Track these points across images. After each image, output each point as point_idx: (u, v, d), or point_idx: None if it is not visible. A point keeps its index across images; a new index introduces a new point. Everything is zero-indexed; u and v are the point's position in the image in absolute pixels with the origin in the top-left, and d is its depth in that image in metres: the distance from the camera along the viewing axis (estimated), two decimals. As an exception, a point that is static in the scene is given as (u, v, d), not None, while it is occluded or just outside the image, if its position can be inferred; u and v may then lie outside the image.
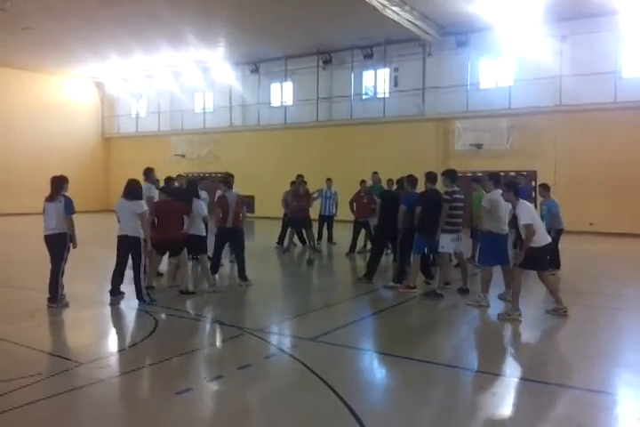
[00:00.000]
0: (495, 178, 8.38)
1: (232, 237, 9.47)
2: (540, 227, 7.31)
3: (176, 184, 10.39)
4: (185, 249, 8.71)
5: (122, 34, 21.39)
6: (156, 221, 8.68)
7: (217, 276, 9.70)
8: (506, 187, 7.54)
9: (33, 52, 24.45)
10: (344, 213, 14.69)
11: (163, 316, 7.47)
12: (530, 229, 7.02)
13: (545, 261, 7.48)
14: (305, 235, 13.99)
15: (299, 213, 13.66)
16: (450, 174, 8.81)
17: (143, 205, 7.91)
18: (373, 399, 4.76)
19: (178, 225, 8.54)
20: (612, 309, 8.14)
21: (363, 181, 13.65)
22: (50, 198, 7.63)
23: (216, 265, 9.56)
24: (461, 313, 7.91)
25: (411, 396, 4.79)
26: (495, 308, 7.84)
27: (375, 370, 5.72)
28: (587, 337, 6.65)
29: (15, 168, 26.93)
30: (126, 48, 23.82)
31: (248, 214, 13.01)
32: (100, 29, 20.84)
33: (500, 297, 8.29)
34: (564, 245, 10.61)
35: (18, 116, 27.52)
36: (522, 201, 7.35)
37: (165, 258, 9.50)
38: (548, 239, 7.42)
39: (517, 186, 7.61)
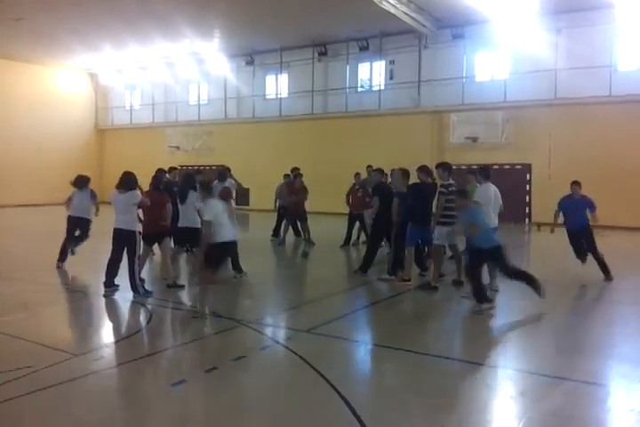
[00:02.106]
0: (485, 172, 8.47)
1: None
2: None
3: (167, 176, 10.37)
4: (166, 240, 8.63)
5: (116, 25, 21.22)
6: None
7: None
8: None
9: (26, 43, 24.24)
10: (338, 205, 14.68)
11: (157, 308, 7.46)
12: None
13: None
14: (300, 227, 13.99)
15: (293, 207, 13.65)
16: (445, 167, 8.84)
17: (139, 196, 7.87)
18: (368, 391, 4.77)
19: (158, 216, 8.37)
20: (606, 302, 8.18)
21: (357, 174, 13.64)
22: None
23: None
24: (455, 305, 7.93)
25: (405, 387, 4.80)
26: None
27: (370, 362, 5.73)
28: (581, 330, 6.67)
29: (8, 160, 26.74)
30: (120, 39, 23.63)
31: (243, 207, 12.94)
32: (94, 20, 20.65)
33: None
34: (557, 238, 10.60)
35: (11, 108, 27.28)
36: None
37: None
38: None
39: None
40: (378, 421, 4.04)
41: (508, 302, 8.27)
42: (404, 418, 4.14)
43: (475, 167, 14.08)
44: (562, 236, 10.05)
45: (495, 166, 19.66)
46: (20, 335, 6.07)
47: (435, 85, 21.64)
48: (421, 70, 21.98)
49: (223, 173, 9.73)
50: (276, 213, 14.57)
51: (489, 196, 8.10)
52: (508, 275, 7.38)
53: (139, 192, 7.96)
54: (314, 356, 5.37)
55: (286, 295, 8.66)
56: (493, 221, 8.17)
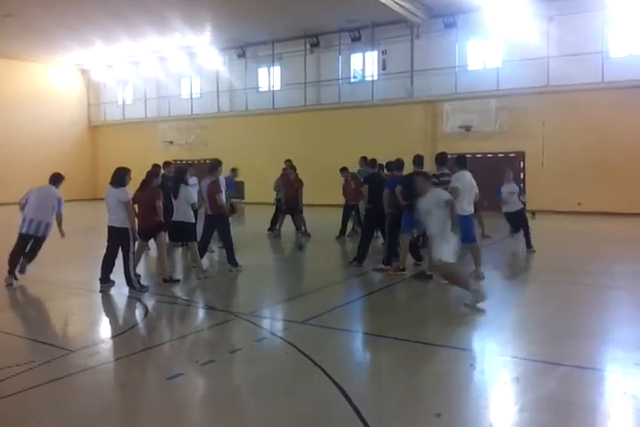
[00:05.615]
0: (461, 160, 8.57)
1: (214, 224, 9.42)
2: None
3: (163, 171, 10.34)
4: (162, 235, 8.62)
5: (106, 20, 21.08)
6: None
7: (205, 260, 9.67)
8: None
9: (16, 39, 24.08)
10: (333, 197, 14.69)
11: (153, 302, 7.47)
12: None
13: None
14: (295, 220, 14.00)
15: (288, 200, 13.65)
16: (438, 158, 8.99)
17: (127, 193, 7.85)
18: (364, 380, 4.80)
19: (150, 211, 8.31)
20: (599, 287, 8.22)
21: (343, 169, 13.62)
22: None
23: (202, 250, 9.48)
24: (450, 293, 7.96)
25: (401, 375, 4.83)
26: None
27: (366, 351, 5.76)
28: (574, 315, 6.71)
29: (1, 158, 26.61)
30: (111, 34, 23.50)
31: (238, 200, 12.92)
32: (84, 15, 20.52)
33: (471, 275, 8.44)
34: (552, 224, 10.66)
35: (2, 105, 27.15)
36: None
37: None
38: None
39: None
40: (374, 409, 4.06)
41: (500, 289, 8.31)
42: (400, 406, 4.17)
43: (469, 156, 14.14)
44: (552, 222, 10.12)
45: (489, 155, 19.76)
46: (17, 332, 6.10)
47: (427, 75, 21.61)
48: (414, 60, 21.94)
49: (214, 166, 9.57)
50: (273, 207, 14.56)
51: (463, 184, 8.21)
52: None
53: (128, 190, 7.91)
54: (310, 347, 5.39)
55: (282, 287, 8.69)
56: (466, 208, 8.27)
